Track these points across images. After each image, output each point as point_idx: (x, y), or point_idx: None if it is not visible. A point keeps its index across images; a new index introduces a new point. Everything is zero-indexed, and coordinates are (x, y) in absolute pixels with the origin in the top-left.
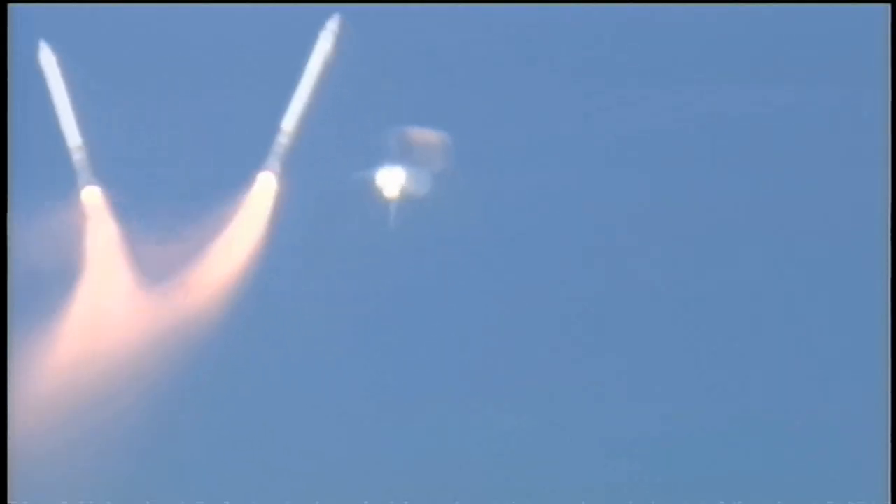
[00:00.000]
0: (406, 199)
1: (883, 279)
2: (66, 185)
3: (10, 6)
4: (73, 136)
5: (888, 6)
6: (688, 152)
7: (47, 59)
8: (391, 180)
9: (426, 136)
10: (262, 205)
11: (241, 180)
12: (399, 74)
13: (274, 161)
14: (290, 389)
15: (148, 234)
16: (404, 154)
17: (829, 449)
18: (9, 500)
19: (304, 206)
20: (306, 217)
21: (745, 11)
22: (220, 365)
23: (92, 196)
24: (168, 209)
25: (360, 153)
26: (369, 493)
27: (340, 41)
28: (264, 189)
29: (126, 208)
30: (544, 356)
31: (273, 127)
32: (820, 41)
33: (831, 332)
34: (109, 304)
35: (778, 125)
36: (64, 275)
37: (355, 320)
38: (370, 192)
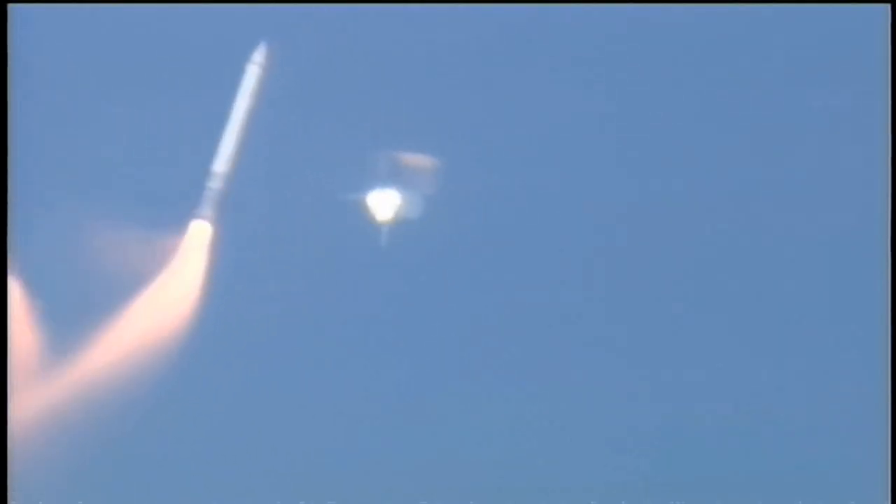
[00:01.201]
0: (399, 222)
1: (883, 280)
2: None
3: (10, 6)
4: None
5: (888, 6)
6: (685, 153)
7: None
8: (384, 203)
9: (415, 158)
10: (196, 258)
11: (169, 231)
12: (376, 88)
13: (206, 208)
14: (279, 413)
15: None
16: (394, 176)
17: (829, 449)
18: (9, 500)
19: (288, 228)
20: (293, 239)
21: (744, 11)
22: (196, 393)
23: None
24: (84, 272)
25: (346, 175)
26: None
27: (269, 72)
28: (197, 239)
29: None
30: (542, 379)
31: (202, 170)
32: (819, 41)
33: (832, 333)
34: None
35: (776, 125)
36: None
37: (347, 340)
38: (361, 214)
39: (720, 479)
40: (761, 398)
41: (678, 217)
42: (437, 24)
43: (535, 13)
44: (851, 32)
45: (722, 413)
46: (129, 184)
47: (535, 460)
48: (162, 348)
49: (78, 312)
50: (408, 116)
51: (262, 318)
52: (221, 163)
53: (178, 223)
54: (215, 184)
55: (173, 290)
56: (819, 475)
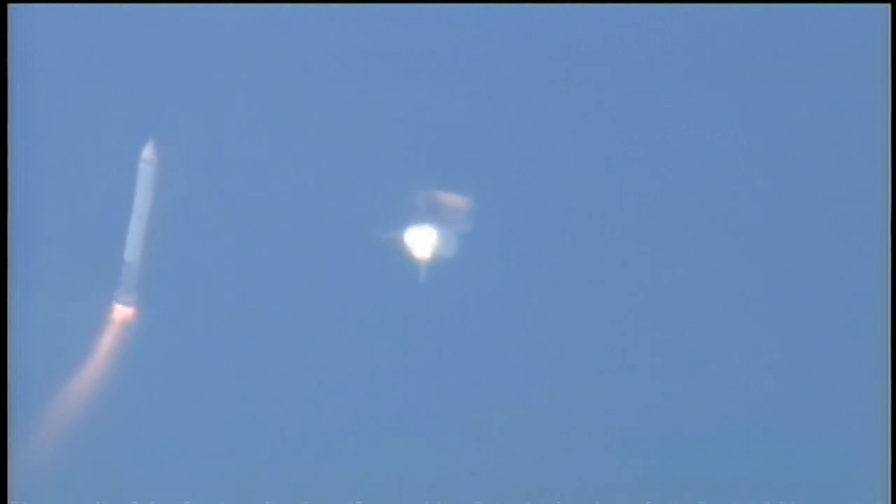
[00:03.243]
0: (436, 260)
1: (883, 281)
2: None
3: (10, 6)
4: None
5: (888, 6)
6: (685, 152)
7: None
8: (422, 240)
9: (450, 196)
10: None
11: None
12: (411, 124)
13: (125, 293)
14: (314, 445)
15: None
16: (431, 214)
17: (829, 449)
18: (9, 500)
19: (328, 266)
20: (335, 277)
21: (743, 11)
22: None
23: None
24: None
25: (383, 213)
26: None
27: (167, 168)
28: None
29: None
30: (566, 402)
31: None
32: (820, 41)
33: (832, 334)
34: None
35: (776, 125)
36: None
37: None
38: (399, 253)
39: (718, 480)
40: (761, 399)
41: (678, 217)
42: (471, 51)
43: (568, 44)
44: (851, 32)
45: (721, 414)
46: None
47: (540, 464)
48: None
49: None
50: (442, 154)
51: (301, 355)
52: (133, 251)
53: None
54: (130, 270)
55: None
56: (819, 475)
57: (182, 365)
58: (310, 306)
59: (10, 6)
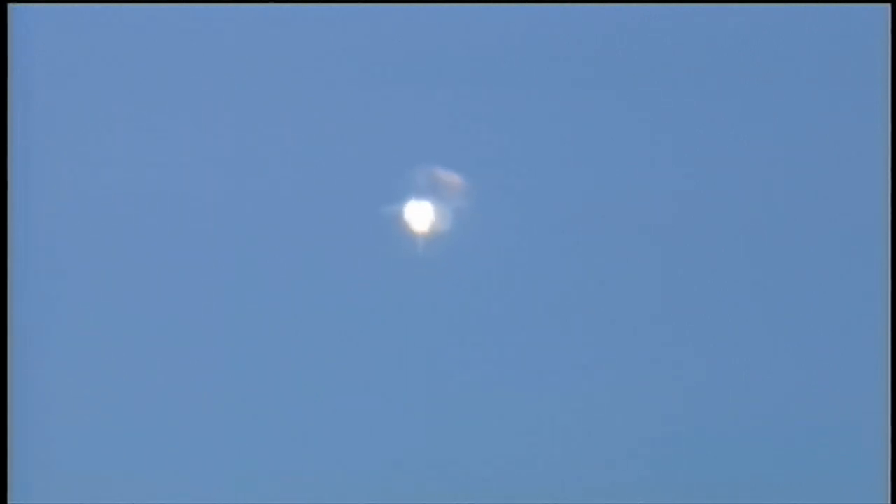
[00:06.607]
0: (434, 234)
1: (883, 281)
2: None
3: (10, 6)
4: None
5: (888, 6)
6: (685, 151)
7: None
8: (420, 214)
9: (447, 171)
10: None
11: None
12: (409, 101)
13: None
14: (315, 429)
15: None
16: (429, 189)
17: (829, 450)
18: (9, 500)
19: (326, 240)
20: (331, 250)
21: (742, 11)
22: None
23: None
24: None
25: (382, 187)
26: None
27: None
28: None
29: None
30: (551, 382)
31: None
32: (819, 41)
33: (832, 334)
34: None
35: (775, 125)
36: None
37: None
38: (398, 225)
39: (720, 480)
40: (762, 398)
41: (677, 216)
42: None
43: (567, 24)
44: (851, 32)
45: (721, 415)
46: None
47: (542, 462)
48: None
49: None
50: (438, 130)
51: (301, 329)
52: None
53: None
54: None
55: None
56: (819, 476)
57: (188, 345)
58: (308, 279)
59: (10, 6)
